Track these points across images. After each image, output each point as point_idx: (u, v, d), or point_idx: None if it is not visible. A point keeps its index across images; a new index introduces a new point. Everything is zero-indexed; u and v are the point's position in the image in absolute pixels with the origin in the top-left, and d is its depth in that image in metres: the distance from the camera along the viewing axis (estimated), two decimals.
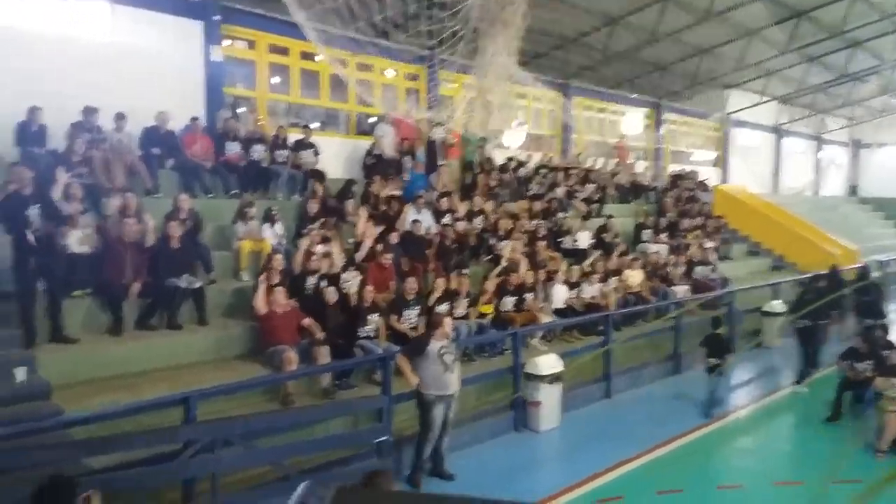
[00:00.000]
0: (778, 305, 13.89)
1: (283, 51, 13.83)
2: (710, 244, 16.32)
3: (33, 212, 7.13)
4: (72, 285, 7.61)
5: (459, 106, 11.66)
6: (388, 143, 13.79)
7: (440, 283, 9.66)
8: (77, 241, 7.77)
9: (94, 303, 7.76)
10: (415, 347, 7.09)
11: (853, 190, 34.62)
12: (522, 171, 16.25)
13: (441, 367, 6.83)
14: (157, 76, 11.54)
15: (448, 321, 7.12)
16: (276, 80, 14.03)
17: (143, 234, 8.47)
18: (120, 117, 10.44)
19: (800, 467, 8.13)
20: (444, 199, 12.53)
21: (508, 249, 11.53)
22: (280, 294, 8.07)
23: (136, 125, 10.66)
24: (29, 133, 9.59)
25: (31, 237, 7.05)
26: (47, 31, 10.58)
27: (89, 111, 10.07)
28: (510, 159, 16.40)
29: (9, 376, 6.18)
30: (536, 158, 17.83)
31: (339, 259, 9.47)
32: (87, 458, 5.18)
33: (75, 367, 6.78)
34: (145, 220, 8.67)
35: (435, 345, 6.88)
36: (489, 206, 13.47)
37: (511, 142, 16.74)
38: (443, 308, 9.42)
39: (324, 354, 7.73)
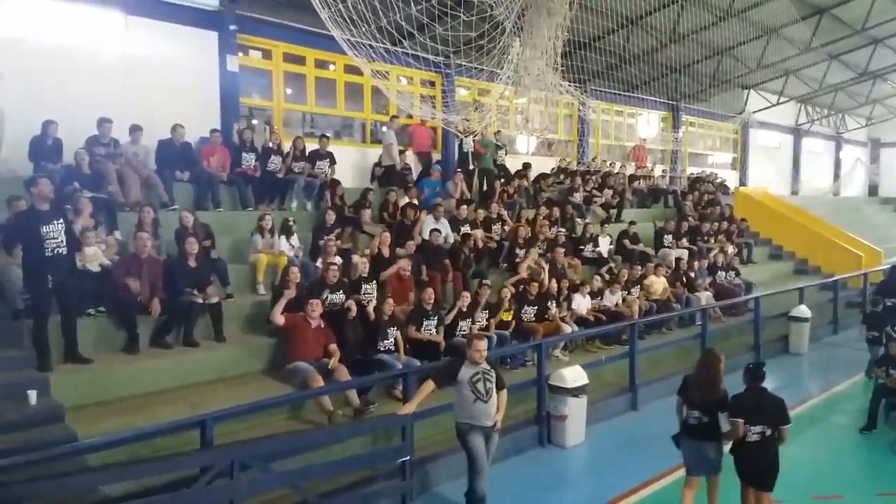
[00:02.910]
0: (805, 310, 13.53)
1: (299, 60, 13.72)
2: (732, 248, 16.02)
3: (51, 228, 6.94)
4: (85, 303, 7.43)
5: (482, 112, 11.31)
6: (395, 151, 13.51)
7: (466, 297, 9.39)
8: (89, 257, 7.61)
9: (109, 321, 7.58)
10: (444, 373, 6.44)
11: (873, 190, 34.04)
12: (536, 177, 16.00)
13: (471, 396, 6.14)
14: (173, 88, 11.44)
15: (478, 344, 6.27)
16: (290, 90, 13.92)
17: (159, 250, 8.30)
18: (135, 129, 10.30)
19: (838, 480, 7.82)
20: (463, 208, 12.31)
21: (530, 260, 11.27)
22: (315, 307, 7.84)
23: (151, 138, 10.54)
24: (43, 148, 9.47)
25: (49, 254, 6.78)
26: (61, 44, 10.48)
27: (103, 122, 9.91)
28: (526, 165, 16.16)
29: (20, 400, 6.00)
30: (551, 164, 17.59)
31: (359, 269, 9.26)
32: (103, 487, 5.00)
33: (89, 388, 6.59)
34: (160, 235, 8.49)
35: (466, 371, 6.23)
36: (506, 213, 13.24)
37: (525, 147, 16.50)
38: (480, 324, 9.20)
39: (344, 372, 7.50)
